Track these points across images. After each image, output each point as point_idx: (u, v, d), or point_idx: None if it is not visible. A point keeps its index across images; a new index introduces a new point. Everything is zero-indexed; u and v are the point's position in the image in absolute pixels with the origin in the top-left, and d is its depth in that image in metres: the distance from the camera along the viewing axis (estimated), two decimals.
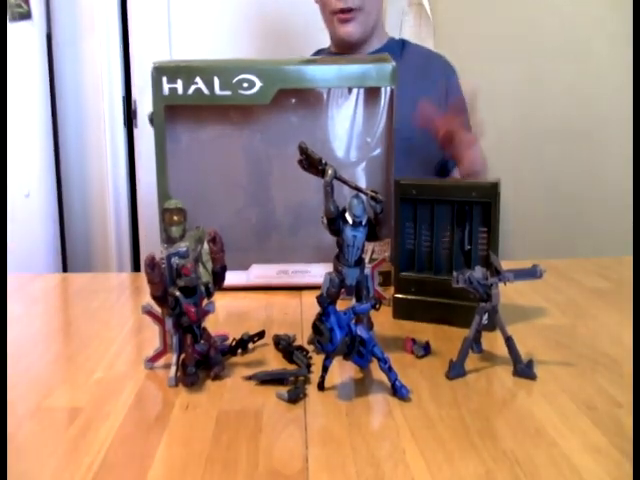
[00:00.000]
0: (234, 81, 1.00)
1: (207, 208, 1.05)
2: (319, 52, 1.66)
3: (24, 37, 1.96)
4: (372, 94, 1.07)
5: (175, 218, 0.90)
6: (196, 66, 1.00)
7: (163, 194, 1.02)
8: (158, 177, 1.03)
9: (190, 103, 1.01)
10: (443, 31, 2.29)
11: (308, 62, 1.06)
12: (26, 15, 1.95)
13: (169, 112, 1.02)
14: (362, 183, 1.05)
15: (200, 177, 1.07)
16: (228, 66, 1.01)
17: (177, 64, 1.01)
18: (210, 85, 0.99)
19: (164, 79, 0.99)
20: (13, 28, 1.93)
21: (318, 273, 1.00)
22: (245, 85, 1.00)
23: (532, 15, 2.05)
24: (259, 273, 1.07)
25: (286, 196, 1.09)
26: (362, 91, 1.07)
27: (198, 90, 1.00)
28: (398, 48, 1.54)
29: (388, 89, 1.06)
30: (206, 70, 1.00)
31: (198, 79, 0.99)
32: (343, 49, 1.53)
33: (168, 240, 0.93)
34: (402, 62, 1.51)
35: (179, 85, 0.99)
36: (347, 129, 1.08)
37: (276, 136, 1.07)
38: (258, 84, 1.00)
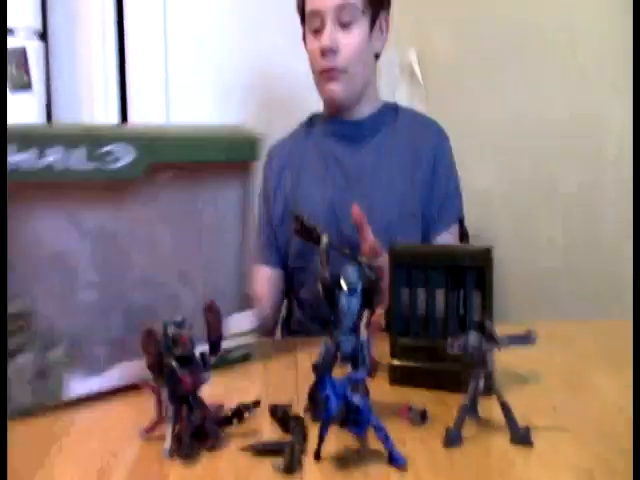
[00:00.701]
0: (100, 152, 0.84)
1: (57, 310, 0.86)
2: (315, 116, 1.68)
3: (24, 107, 2.00)
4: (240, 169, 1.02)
5: (17, 324, 0.77)
6: (50, 133, 0.84)
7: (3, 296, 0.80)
8: None
9: (42, 179, 0.81)
10: (435, 98, 2.35)
11: (181, 134, 0.96)
12: (27, 86, 1.99)
13: (13, 190, 0.79)
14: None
15: (49, 272, 0.86)
16: (92, 134, 0.85)
17: (27, 129, 0.85)
18: (68, 156, 0.82)
19: (11, 147, 0.78)
20: (14, 98, 1.97)
21: None
22: (112, 157, 0.84)
23: (525, 85, 2.09)
24: (121, 373, 0.90)
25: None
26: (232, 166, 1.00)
27: (53, 163, 0.81)
28: (392, 114, 1.56)
29: (254, 164, 1.03)
30: (64, 138, 0.82)
31: (53, 149, 0.80)
32: (333, 111, 1.54)
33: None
34: (396, 127, 1.53)
35: (29, 156, 0.79)
36: (224, 207, 1.01)
37: (150, 216, 0.92)
38: (129, 155, 0.86)
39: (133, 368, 0.87)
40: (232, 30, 2.31)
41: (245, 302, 1.02)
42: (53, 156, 0.80)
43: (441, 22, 2.32)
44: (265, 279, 1.48)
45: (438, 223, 1.46)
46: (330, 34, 1.40)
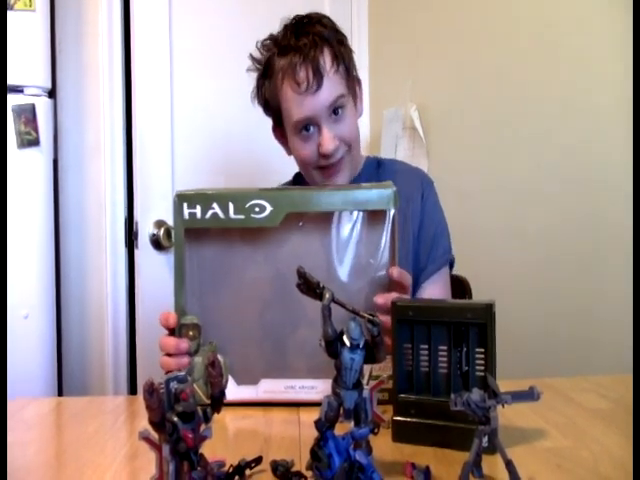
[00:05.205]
0: (247, 206, 1.08)
1: (220, 324, 1.10)
2: (298, 176, 1.61)
3: (32, 162, 2.03)
4: (376, 218, 1.10)
5: (190, 333, 1.01)
6: (213, 193, 1.10)
7: (180, 310, 1.09)
8: (176, 294, 1.10)
9: (207, 226, 1.10)
10: (436, 154, 2.37)
11: (313, 189, 1.19)
12: (34, 142, 2.02)
13: (187, 234, 1.11)
14: (366, 305, 1.06)
15: (213, 294, 1.13)
16: (241, 193, 1.10)
17: (197, 192, 1.10)
18: (225, 210, 1.08)
19: (185, 205, 1.08)
20: (21, 154, 2.00)
21: (325, 389, 1.02)
22: (257, 209, 1.08)
23: (524, 140, 2.10)
24: (267, 388, 1.10)
25: (295, 313, 1.11)
26: (366, 214, 1.10)
27: (214, 214, 1.08)
28: (374, 168, 1.54)
29: (391, 212, 1.09)
30: (222, 197, 1.09)
31: (215, 204, 1.08)
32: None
33: None
34: (378, 180, 1.50)
35: (198, 210, 1.08)
36: (352, 250, 1.11)
37: (284, 256, 1.12)
38: (268, 208, 1.08)
39: (277, 386, 1.10)
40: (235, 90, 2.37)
41: None
42: (213, 210, 1.08)
43: (442, 78, 2.36)
44: None
45: (428, 266, 1.45)
46: (330, 137, 1.34)
